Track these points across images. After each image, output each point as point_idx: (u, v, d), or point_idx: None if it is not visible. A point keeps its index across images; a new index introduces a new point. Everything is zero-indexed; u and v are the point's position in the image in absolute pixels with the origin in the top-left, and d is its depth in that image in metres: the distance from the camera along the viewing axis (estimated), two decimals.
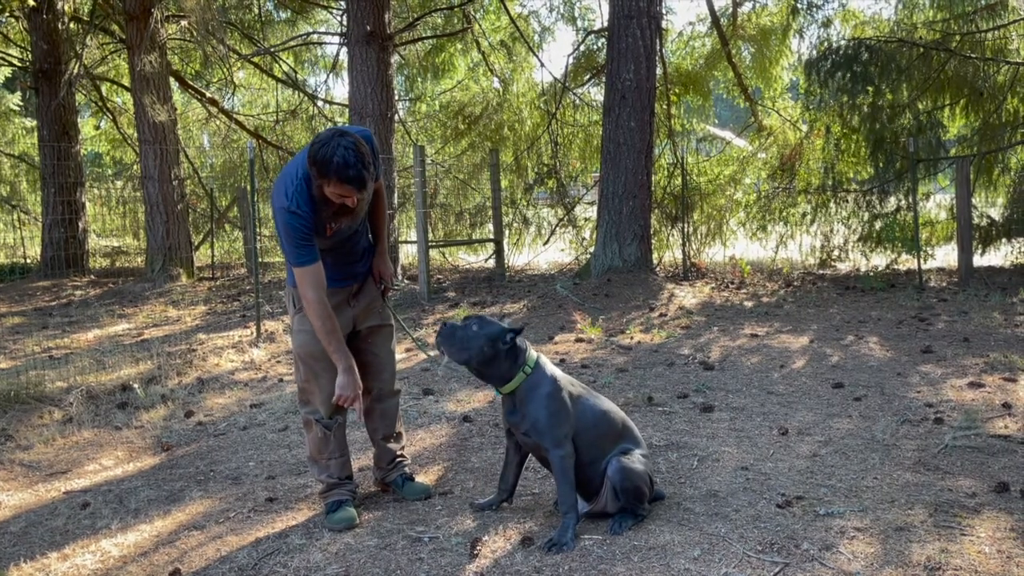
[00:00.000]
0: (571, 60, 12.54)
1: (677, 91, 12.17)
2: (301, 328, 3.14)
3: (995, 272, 9.34)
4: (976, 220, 9.54)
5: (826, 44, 10.41)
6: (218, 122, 15.16)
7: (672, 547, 2.78)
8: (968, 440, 3.77)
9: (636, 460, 2.99)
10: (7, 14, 12.67)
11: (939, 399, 4.48)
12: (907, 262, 9.80)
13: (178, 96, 14.68)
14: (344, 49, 11.35)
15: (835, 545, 2.76)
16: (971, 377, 4.89)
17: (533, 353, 3.01)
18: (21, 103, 16.43)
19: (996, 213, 10.17)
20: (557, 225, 12.39)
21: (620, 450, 3.02)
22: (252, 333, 7.16)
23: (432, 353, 3.46)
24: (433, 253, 12.02)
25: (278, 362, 6.15)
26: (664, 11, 11.94)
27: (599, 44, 12.34)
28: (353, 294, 3.23)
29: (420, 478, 3.53)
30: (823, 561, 2.65)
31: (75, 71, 12.00)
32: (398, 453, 3.41)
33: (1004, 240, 9.87)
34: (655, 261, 10.07)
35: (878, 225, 9.96)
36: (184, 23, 12.48)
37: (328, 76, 14.83)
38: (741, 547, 2.77)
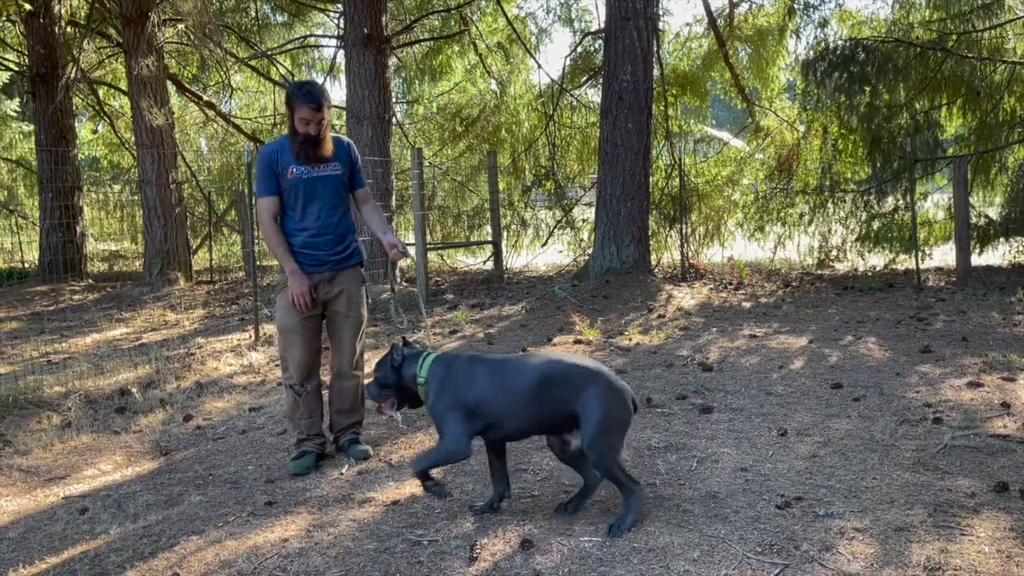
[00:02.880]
0: (568, 62, 12.55)
1: (674, 92, 12.18)
2: (279, 306, 3.83)
3: (993, 271, 9.35)
4: (974, 220, 9.54)
5: (823, 44, 10.42)
6: (215, 125, 15.15)
7: (671, 549, 2.78)
8: (967, 440, 3.77)
9: (591, 416, 2.90)
10: (3, 18, 12.67)
11: (938, 399, 4.48)
12: (905, 262, 9.81)
13: (175, 100, 14.68)
14: (341, 52, 11.35)
15: (834, 546, 2.76)
16: (970, 377, 4.89)
17: (428, 362, 3.14)
18: (18, 108, 16.43)
19: (994, 212, 10.19)
20: (555, 227, 12.39)
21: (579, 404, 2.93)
22: (250, 337, 7.15)
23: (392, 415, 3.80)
24: (431, 256, 12.01)
25: (276, 365, 6.13)
26: (661, 12, 11.93)
27: (596, 46, 12.35)
28: (327, 280, 3.81)
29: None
30: (823, 562, 2.65)
31: (72, 75, 12.00)
32: (347, 424, 3.98)
33: (1002, 239, 9.88)
34: (653, 262, 10.07)
35: (876, 225, 9.97)
36: (181, 26, 12.48)
37: (326, 79, 14.82)
38: (740, 548, 2.76)
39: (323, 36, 14.92)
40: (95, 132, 17.83)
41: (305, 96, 3.62)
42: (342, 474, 3.70)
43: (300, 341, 3.80)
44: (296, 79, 14.76)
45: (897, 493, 3.20)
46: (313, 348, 3.86)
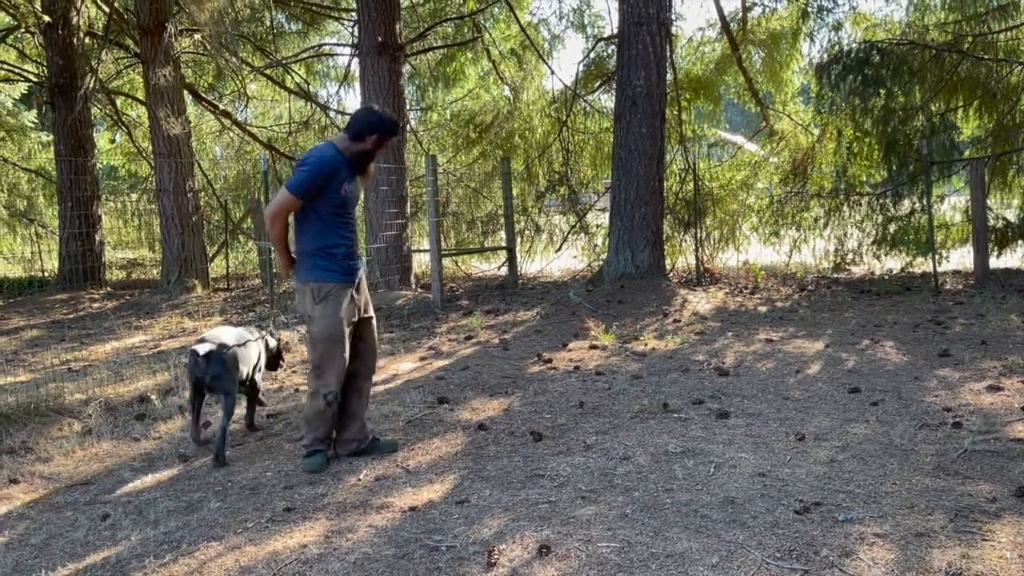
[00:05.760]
0: (581, 67, 12.56)
1: (688, 97, 12.16)
2: (323, 315, 3.81)
3: (1012, 274, 9.26)
4: (991, 222, 9.47)
5: (837, 47, 10.38)
6: (231, 134, 15.27)
7: (690, 555, 2.78)
8: (987, 444, 3.75)
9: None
10: (23, 30, 12.82)
11: (957, 403, 4.45)
12: (922, 265, 9.74)
13: (192, 109, 14.80)
14: (355, 60, 11.42)
15: (854, 551, 2.74)
16: (989, 380, 4.85)
17: None
18: (37, 119, 16.60)
19: (1012, 214, 10.10)
20: (569, 232, 12.39)
21: None
22: None
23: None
24: (446, 262, 12.04)
25: (294, 372, 6.17)
26: (674, 17, 11.92)
27: (609, 51, 12.35)
28: (356, 287, 3.94)
29: (436, 486, 3.56)
30: (842, 568, 2.64)
31: (90, 86, 12.13)
32: (364, 423, 4.13)
33: (1020, 241, 9.79)
34: (668, 267, 10.04)
35: (892, 228, 9.91)
36: (197, 37, 12.59)
37: (340, 87, 14.92)
38: (760, 554, 2.76)
39: (337, 44, 15.02)
40: (113, 142, 17.99)
41: (388, 125, 3.93)
42: (359, 480, 3.72)
43: (344, 351, 3.87)
44: (311, 88, 14.89)
45: (917, 498, 3.18)
46: (348, 356, 3.96)
